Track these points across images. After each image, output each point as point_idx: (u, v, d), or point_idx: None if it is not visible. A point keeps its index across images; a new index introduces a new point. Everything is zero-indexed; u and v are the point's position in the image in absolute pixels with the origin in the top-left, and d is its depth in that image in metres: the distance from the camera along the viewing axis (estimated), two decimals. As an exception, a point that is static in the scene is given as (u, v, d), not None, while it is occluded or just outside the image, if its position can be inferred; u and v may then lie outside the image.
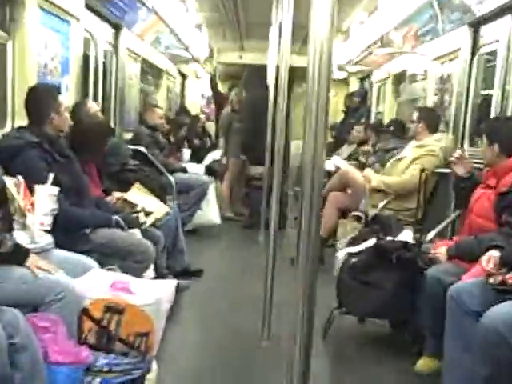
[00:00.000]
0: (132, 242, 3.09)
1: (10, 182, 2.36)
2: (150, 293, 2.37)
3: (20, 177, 2.43)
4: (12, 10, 3.40)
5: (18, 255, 2.20)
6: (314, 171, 1.30)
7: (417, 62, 5.90)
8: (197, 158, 7.03)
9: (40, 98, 3.03)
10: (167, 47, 7.04)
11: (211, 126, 8.83)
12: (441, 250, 2.92)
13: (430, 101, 5.36)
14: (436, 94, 5.25)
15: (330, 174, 6.38)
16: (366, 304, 3.10)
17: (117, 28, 5.41)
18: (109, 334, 2.29)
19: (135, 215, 3.23)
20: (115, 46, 5.49)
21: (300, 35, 7.13)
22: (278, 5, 5.28)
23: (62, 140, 3.12)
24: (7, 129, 3.43)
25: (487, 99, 4.41)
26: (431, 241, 3.33)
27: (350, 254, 3.28)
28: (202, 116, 8.89)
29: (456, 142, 4.66)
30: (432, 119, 4.75)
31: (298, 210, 4.14)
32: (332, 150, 8.24)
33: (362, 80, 8.87)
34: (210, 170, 6.58)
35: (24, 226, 2.36)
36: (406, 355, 3.04)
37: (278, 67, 6.89)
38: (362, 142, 6.82)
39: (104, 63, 5.32)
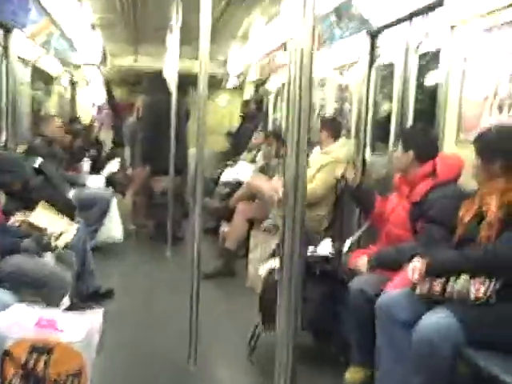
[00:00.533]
0: (46, 271, 2.86)
1: None
2: (79, 327, 2.18)
3: None
4: None
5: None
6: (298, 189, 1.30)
7: (315, 69, 6.01)
8: (94, 169, 6.72)
9: None
10: (58, 50, 6.63)
11: (105, 135, 8.52)
12: (361, 261, 2.98)
13: (331, 108, 5.51)
14: (336, 101, 5.40)
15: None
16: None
17: (7, 30, 4.99)
18: (36, 377, 2.08)
19: (45, 239, 2.99)
20: (5, 49, 5.06)
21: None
22: (177, 8, 5.20)
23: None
24: None
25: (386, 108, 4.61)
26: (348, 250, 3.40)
27: (272, 270, 3.26)
28: (95, 125, 8.55)
29: (358, 148, 4.81)
30: (334, 127, 4.87)
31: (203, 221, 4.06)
32: (231, 157, 8.28)
33: (257, 87, 8.94)
34: (109, 182, 6.30)
35: None
36: (333, 366, 3.07)
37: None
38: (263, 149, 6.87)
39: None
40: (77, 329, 2.17)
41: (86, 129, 7.20)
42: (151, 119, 5.94)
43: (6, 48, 5.10)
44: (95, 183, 5.83)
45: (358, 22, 4.50)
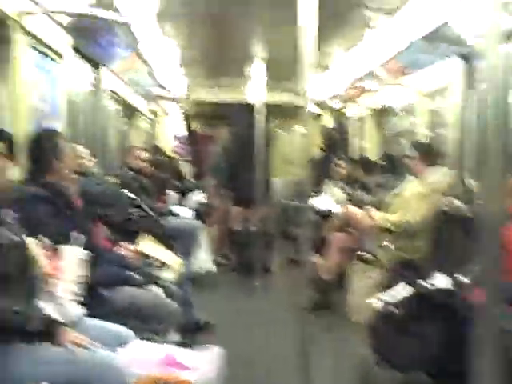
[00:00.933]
0: (155, 303, 2.78)
1: (32, 242, 2.02)
2: (202, 366, 2.05)
3: (45, 238, 2.09)
4: (2, 49, 3.08)
5: (50, 331, 1.88)
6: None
7: (401, 95, 5.84)
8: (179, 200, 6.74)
9: (42, 145, 2.72)
10: (142, 85, 6.76)
11: (185, 167, 8.57)
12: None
13: (422, 135, 5.29)
14: (428, 128, 5.18)
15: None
16: (414, 357, 2.86)
17: (97, 66, 5.11)
18: (159, 413, 1.96)
19: (152, 269, 2.92)
20: (95, 85, 5.18)
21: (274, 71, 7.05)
22: (259, 40, 5.18)
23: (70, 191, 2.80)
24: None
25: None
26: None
27: (387, 304, 3.05)
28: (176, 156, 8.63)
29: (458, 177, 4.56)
30: (429, 153, 4.65)
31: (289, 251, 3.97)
32: (314, 186, 8.13)
33: (337, 115, 8.80)
34: (197, 214, 6.28)
35: (49, 296, 2.02)
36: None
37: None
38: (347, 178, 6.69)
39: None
40: (201, 367, 2.04)
41: (171, 161, 7.25)
42: (237, 149, 5.90)
43: (96, 85, 5.21)
44: (184, 214, 5.82)
45: (454, 45, 4.30)
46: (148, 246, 3.20)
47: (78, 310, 2.11)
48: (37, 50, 3.36)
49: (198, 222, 5.40)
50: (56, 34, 3.63)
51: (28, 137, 2.80)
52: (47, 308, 1.95)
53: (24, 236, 2.01)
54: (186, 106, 8.38)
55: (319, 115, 9.66)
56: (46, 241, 2.10)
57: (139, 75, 6.38)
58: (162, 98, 8.07)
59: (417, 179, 4.62)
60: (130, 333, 2.26)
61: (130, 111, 7.11)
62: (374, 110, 7.04)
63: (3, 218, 1.93)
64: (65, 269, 2.09)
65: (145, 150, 5.84)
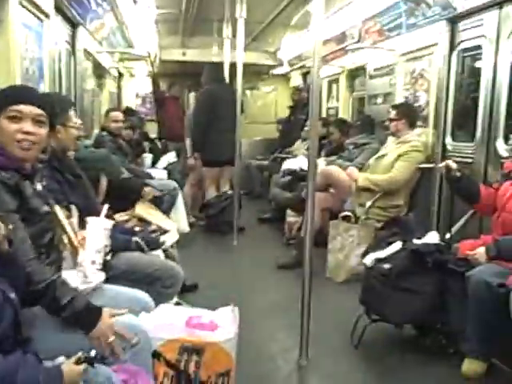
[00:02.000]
0: (159, 266, 2.81)
1: (60, 212, 2.02)
2: (226, 326, 2.13)
3: (73, 207, 2.10)
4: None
5: (90, 317, 1.83)
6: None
7: (379, 56, 5.91)
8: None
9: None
10: (112, 45, 6.61)
11: (149, 127, 8.50)
12: (479, 251, 2.89)
13: (400, 96, 5.40)
14: (407, 90, 5.29)
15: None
16: (407, 311, 3.04)
17: (74, 26, 4.97)
18: (187, 377, 2.04)
19: (154, 235, 2.95)
20: (73, 46, 5.04)
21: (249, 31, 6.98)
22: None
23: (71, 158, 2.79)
24: None
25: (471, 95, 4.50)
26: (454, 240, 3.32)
27: (379, 260, 3.19)
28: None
29: (438, 137, 4.71)
30: (411, 115, 4.80)
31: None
32: (282, 146, 8.21)
33: (305, 75, 8.82)
34: (169, 174, 6.28)
35: (74, 264, 2.04)
36: (442, 358, 3.03)
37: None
38: (321, 138, 6.79)
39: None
40: (225, 328, 2.12)
41: (140, 121, 7.16)
42: (210, 109, 5.89)
43: (73, 43, 5.08)
44: (158, 176, 5.81)
45: (439, 8, 4.39)
46: (144, 210, 3.22)
47: (100, 278, 2.14)
48: (26, 8, 3.25)
49: (173, 183, 5.41)
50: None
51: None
52: (69, 275, 1.96)
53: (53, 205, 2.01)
54: (155, 66, 8.21)
55: (286, 75, 9.70)
56: (74, 209, 2.11)
57: (112, 34, 6.25)
58: (131, 58, 7.91)
59: (397, 139, 4.78)
60: (147, 297, 2.31)
61: (100, 71, 6.95)
62: (349, 70, 7.09)
63: (35, 187, 1.92)
64: (89, 239, 2.11)
65: (122, 112, 5.74)
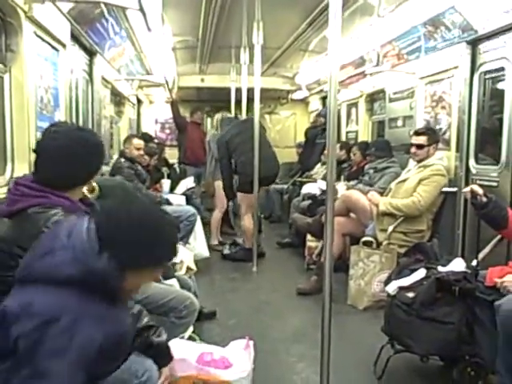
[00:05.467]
0: (173, 296, 2.73)
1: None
2: (241, 363, 2.03)
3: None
4: (8, 39, 2.99)
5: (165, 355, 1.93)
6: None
7: (398, 80, 5.85)
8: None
9: None
10: (131, 72, 6.66)
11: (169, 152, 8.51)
12: (509, 279, 2.76)
13: (421, 119, 5.31)
14: (428, 113, 5.20)
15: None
16: (433, 341, 2.90)
17: (91, 54, 5.00)
18: (199, 414, 1.95)
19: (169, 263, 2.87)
20: (90, 74, 5.07)
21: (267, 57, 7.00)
22: (258, 26, 5.14)
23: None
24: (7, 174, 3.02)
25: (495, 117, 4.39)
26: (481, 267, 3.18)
27: (402, 288, 3.07)
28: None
29: (461, 160, 4.60)
30: (437, 140, 4.68)
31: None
32: (302, 170, 8.14)
33: (324, 99, 8.79)
34: (187, 200, 6.24)
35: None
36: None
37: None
38: (341, 162, 6.71)
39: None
40: (239, 365, 2.02)
41: (160, 147, 7.16)
42: (230, 153, 5.84)
43: (90, 74, 5.11)
44: (177, 201, 5.77)
45: (459, 31, 4.32)
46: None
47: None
48: (41, 38, 3.26)
49: (192, 209, 5.36)
50: (59, 23, 3.53)
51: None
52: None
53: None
54: (174, 92, 8.25)
55: (305, 100, 9.69)
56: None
57: (130, 62, 6.30)
58: (150, 84, 7.96)
59: (420, 163, 4.66)
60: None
61: (118, 98, 7.00)
62: (368, 94, 7.04)
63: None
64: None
65: (141, 138, 5.74)
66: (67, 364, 1.33)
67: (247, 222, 5.95)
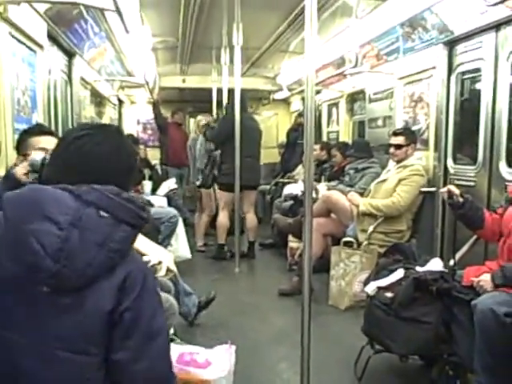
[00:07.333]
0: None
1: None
2: (219, 363, 2.03)
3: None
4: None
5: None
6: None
7: (377, 81, 5.88)
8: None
9: None
10: (112, 73, 6.62)
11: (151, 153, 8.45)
12: (485, 278, 2.79)
13: (400, 119, 5.34)
14: (407, 113, 5.24)
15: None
16: (411, 341, 2.92)
17: (70, 55, 4.96)
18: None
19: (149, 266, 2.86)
20: (69, 75, 5.03)
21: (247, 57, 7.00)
22: (238, 27, 5.15)
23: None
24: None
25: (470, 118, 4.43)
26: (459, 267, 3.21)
27: (380, 288, 3.09)
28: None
29: (439, 160, 4.64)
30: (415, 140, 4.72)
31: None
32: (284, 170, 8.15)
33: (303, 99, 8.80)
34: (169, 201, 6.20)
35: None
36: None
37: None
38: (322, 162, 6.74)
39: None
40: (218, 365, 2.02)
41: (143, 149, 7.14)
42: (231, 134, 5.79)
43: (69, 72, 5.07)
44: (158, 203, 5.74)
45: (436, 32, 4.35)
46: (141, 242, 3.12)
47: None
48: (17, 39, 3.23)
49: (173, 210, 5.33)
50: (35, 23, 3.50)
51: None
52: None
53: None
54: (155, 93, 8.22)
55: (286, 100, 9.71)
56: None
57: (110, 63, 6.25)
58: (131, 85, 7.93)
59: (399, 164, 4.69)
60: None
61: (98, 99, 6.95)
62: (349, 94, 7.07)
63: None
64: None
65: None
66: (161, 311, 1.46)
67: (222, 218, 6.06)
